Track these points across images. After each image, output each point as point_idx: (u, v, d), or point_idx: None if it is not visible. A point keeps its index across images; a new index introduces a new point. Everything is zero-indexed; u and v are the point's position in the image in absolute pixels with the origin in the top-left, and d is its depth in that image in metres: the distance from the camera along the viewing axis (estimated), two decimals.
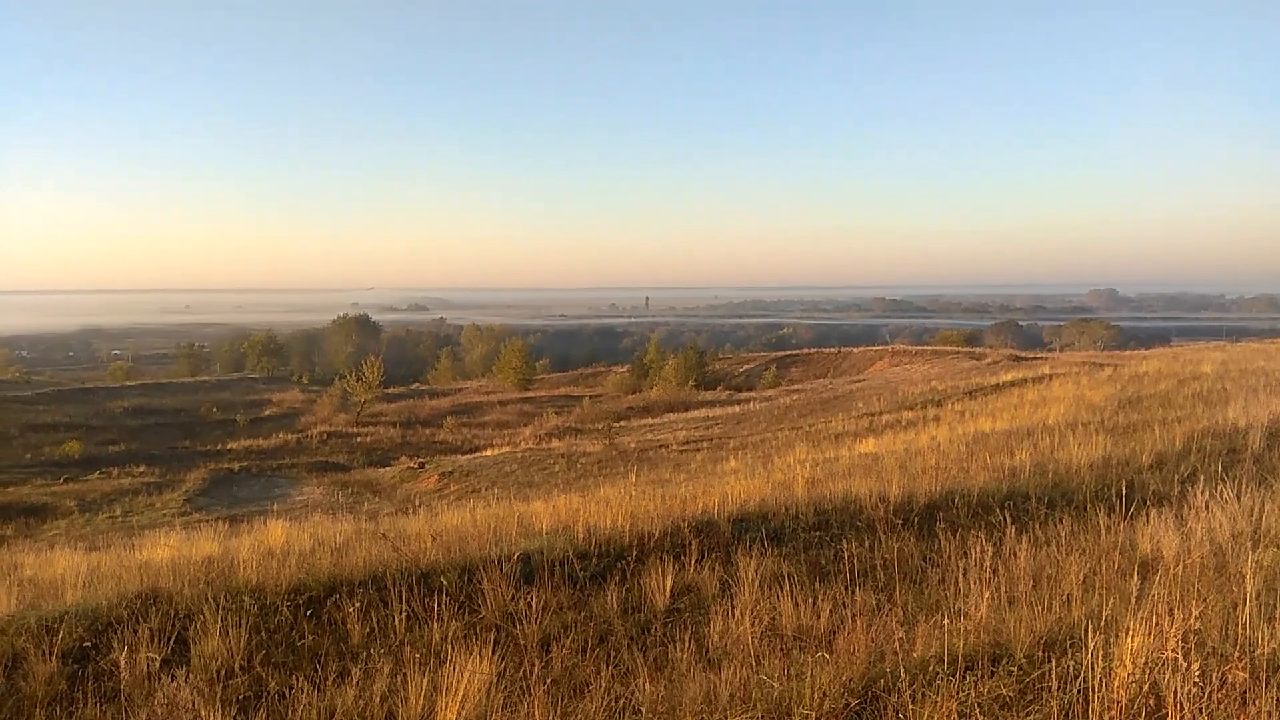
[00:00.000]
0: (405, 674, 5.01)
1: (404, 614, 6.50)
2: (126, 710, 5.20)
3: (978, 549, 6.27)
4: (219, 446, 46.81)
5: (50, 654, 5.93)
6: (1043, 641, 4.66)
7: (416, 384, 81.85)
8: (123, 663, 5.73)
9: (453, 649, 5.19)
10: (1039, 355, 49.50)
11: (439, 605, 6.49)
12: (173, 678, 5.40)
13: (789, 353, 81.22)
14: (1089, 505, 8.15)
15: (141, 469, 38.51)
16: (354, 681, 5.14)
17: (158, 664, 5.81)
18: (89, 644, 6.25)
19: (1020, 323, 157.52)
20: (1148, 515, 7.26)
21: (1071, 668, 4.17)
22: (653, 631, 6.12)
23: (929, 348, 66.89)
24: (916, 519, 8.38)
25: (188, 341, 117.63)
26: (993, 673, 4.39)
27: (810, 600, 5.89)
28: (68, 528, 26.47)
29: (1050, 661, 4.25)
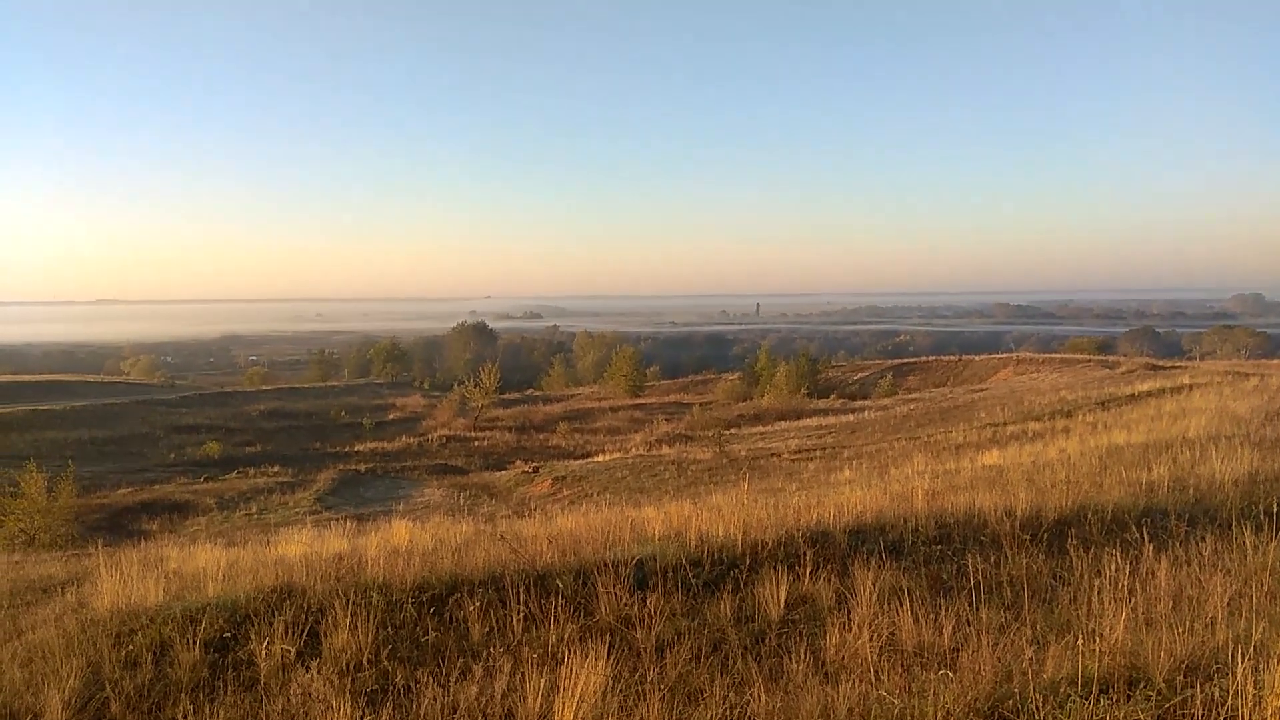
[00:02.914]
0: (523, 673, 5.12)
1: (522, 614, 6.63)
2: (264, 698, 5.47)
3: (1112, 567, 5.99)
4: (347, 448, 48.86)
5: (194, 643, 6.30)
6: (1184, 666, 4.41)
7: (531, 390, 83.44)
8: (260, 653, 6.05)
9: (569, 651, 5.26)
10: (1178, 364, 46.72)
11: (555, 607, 6.60)
12: (306, 669, 5.67)
13: (906, 360, 79.23)
14: (1234, 523, 7.66)
15: (275, 469, 40.44)
16: (475, 679, 5.28)
17: (292, 655, 6.10)
18: (229, 634, 6.61)
19: (1157, 330, 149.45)
20: None
21: (1216, 694, 3.94)
22: (767, 642, 6.05)
23: (1057, 355, 64.04)
24: (1045, 535, 8.04)
25: (319, 348, 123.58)
26: (1129, 696, 4.17)
27: (931, 616, 5.72)
28: (207, 524, 28.07)
29: (1193, 687, 4.02)
